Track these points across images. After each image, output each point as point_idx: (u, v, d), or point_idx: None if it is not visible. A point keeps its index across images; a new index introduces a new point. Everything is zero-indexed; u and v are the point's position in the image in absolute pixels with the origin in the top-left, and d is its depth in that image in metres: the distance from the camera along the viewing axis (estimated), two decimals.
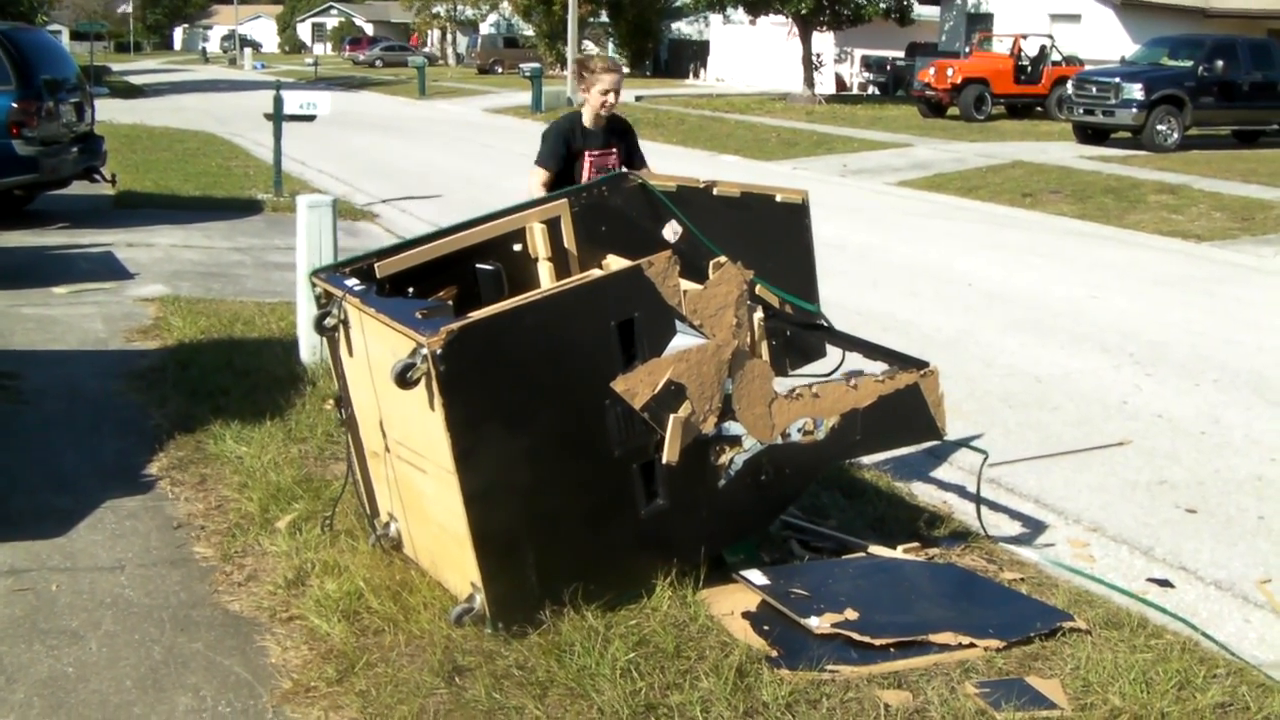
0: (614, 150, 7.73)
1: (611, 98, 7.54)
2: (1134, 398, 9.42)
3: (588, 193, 6.33)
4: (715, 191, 6.56)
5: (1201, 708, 4.72)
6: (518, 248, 6.16)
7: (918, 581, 5.72)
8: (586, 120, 7.65)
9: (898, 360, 6.22)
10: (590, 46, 64.57)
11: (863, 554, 6.03)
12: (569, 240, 6.22)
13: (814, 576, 5.64)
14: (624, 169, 7.49)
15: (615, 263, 5.80)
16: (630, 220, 6.34)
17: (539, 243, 6.13)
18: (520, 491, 4.91)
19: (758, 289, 6.40)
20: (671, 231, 6.40)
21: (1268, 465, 8.00)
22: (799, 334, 6.76)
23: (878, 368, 6.15)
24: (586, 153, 7.61)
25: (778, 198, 6.77)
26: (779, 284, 6.58)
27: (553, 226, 6.18)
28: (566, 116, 7.83)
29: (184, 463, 7.13)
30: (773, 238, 6.73)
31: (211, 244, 14.62)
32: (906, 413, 5.98)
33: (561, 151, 7.59)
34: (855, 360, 6.57)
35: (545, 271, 6.12)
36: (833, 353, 6.78)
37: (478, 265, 6.01)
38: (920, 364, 6.08)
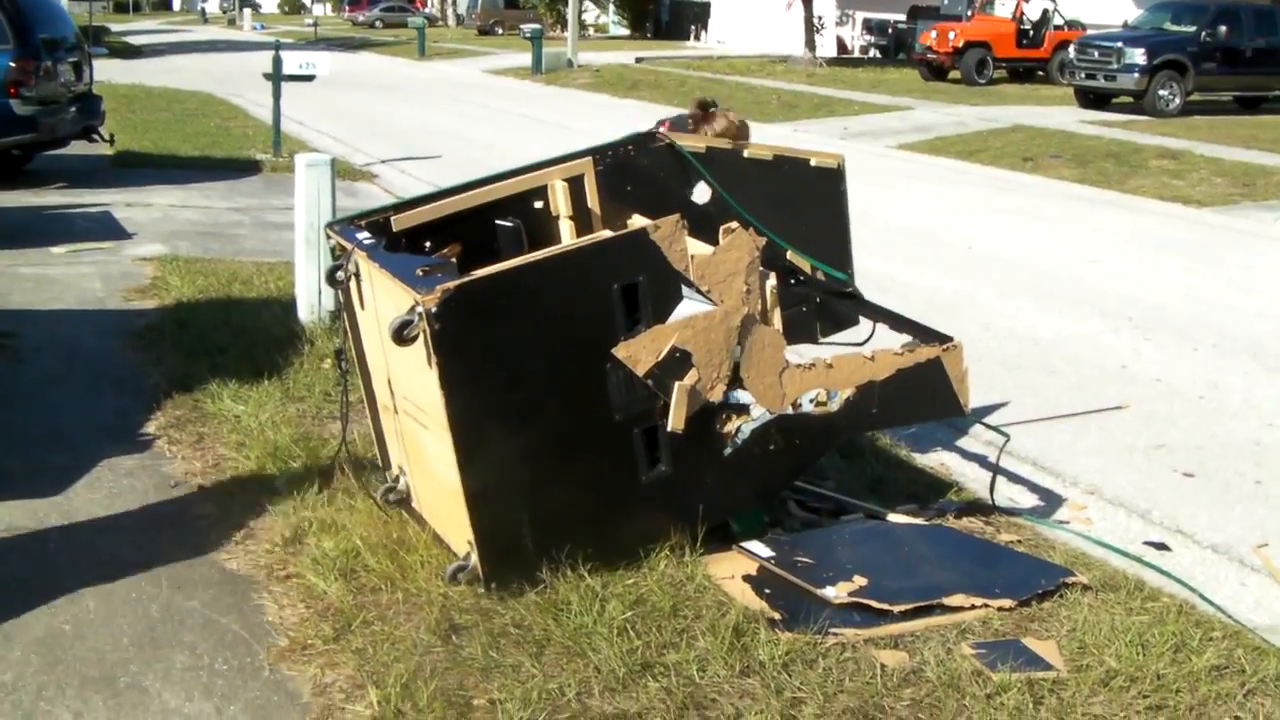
0: None
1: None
2: (1133, 362, 9.41)
3: (613, 151, 6.26)
4: (746, 154, 6.47)
5: (1197, 670, 4.73)
6: (539, 205, 6.12)
7: (917, 545, 5.71)
8: None
9: (923, 333, 6.14)
10: (591, 8, 64.40)
11: (859, 515, 6.03)
12: (592, 199, 6.17)
13: (816, 544, 5.62)
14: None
15: (640, 223, 5.75)
16: (657, 180, 6.28)
17: (560, 200, 6.08)
18: (515, 453, 4.89)
19: (789, 254, 6.36)
20: (701, 193, 6.34)
21: (1265, 430, 8.00)
22: (830, 301, 6.70)
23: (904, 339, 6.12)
24: None
25: (812, 161, 6.67)
26: (811, 249, 6.51)
27: (576, 184, 6.14)
28: None
29: (182, 421, 7.13)
30: (806, 202, 6.64)
31: (210, 204, 14.59)
32: (927, 387, 5.85)
33: None
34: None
35: (566, 229, 6.08)
36: (867, 320, 6.74)
37: (497, 221, 5.97)
38: (944, 338, 5.97)
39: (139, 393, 7.60)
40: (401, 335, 4.65)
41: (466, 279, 4.72)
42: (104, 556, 5.52)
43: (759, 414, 5.41)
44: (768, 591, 5.15)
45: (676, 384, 5.10)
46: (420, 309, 4.60)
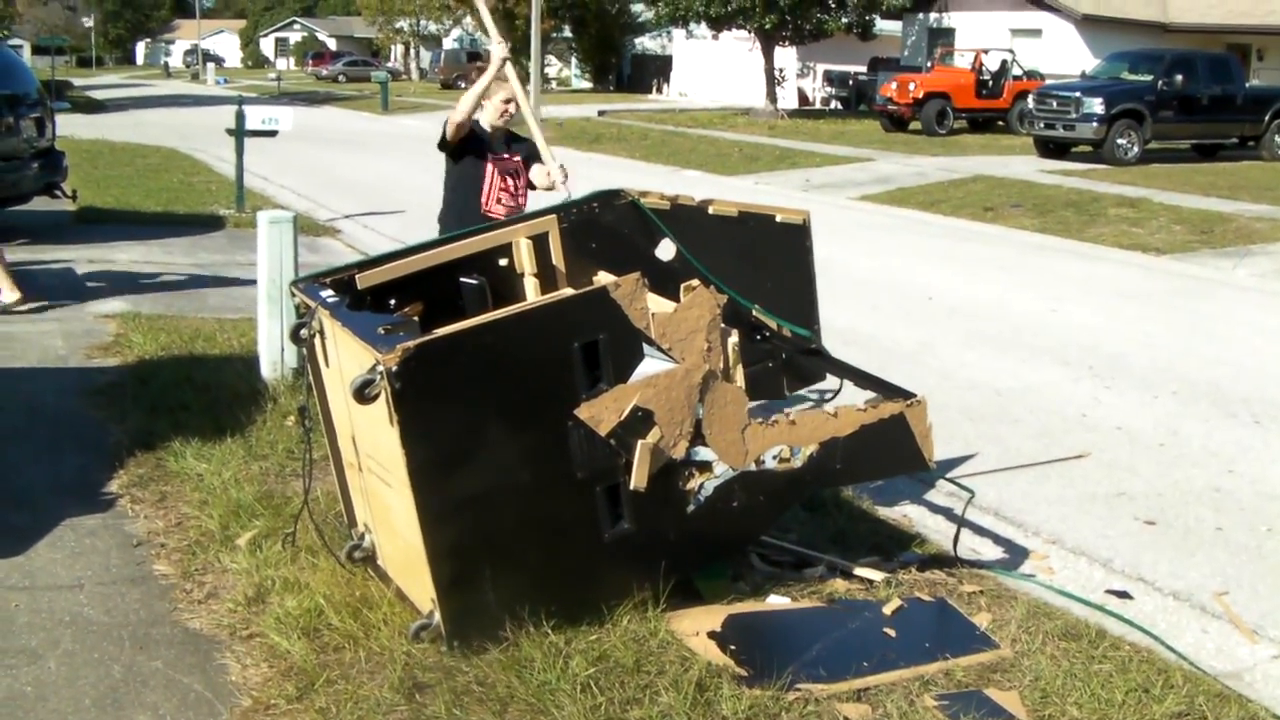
0: (516, 154, 7.84)
1: (512, 108, 7.74)
2: (1093, 410, 9.47)
3: (578, 209, 6.30)
4: (711, 210, 6.51)
5: (1159, 717, 4.76)
6: (504, 262, 6.14)
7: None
8: (485, 124, 7.79)
9: (887, 390, 6.15)
10: (553, 61, 64.71)
11: (822, 567, 6.03)
12: (557, 256, 6.19)
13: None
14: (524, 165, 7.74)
15: (604, 280, 5.77)
16: (623, 237, 6.31)
17: (525, 258, 6.11)
18: (477, 511, 4.89)
19: (754, 312, 6.39)
20: (666, 250, 6.37)
21: (1225, 476, 8.06)
22: (796, 357, 6.72)
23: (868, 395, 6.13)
24: (490, 155, 7.73)
25: (778, 218, 6.71)
26: (777, 306, 6.53)
27: (540, 242, 6.16)
28: None
29: (144, 480, 7.10)
30: (771, 259, 6.68)
31: (172, 260, 14.55)
32: (891, 443, 5.85)
33: (475, 128, 7.72)
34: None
35: (531, 287, 6.10)
36: (834, 376, 6.77)
37: (461, 279, 5.99)
38: (908, 394, 5.99)
39: (101, 451, 7.57)
40: (363, 394, 4.66)
41: (427, 338, 4.73)
42: (66, 617, 5.49)
43: (722, 470, 5.43)
44: (732, 647, 5.16)
45: (639, 443, 5.10)
46: (381, 368, 4.61)
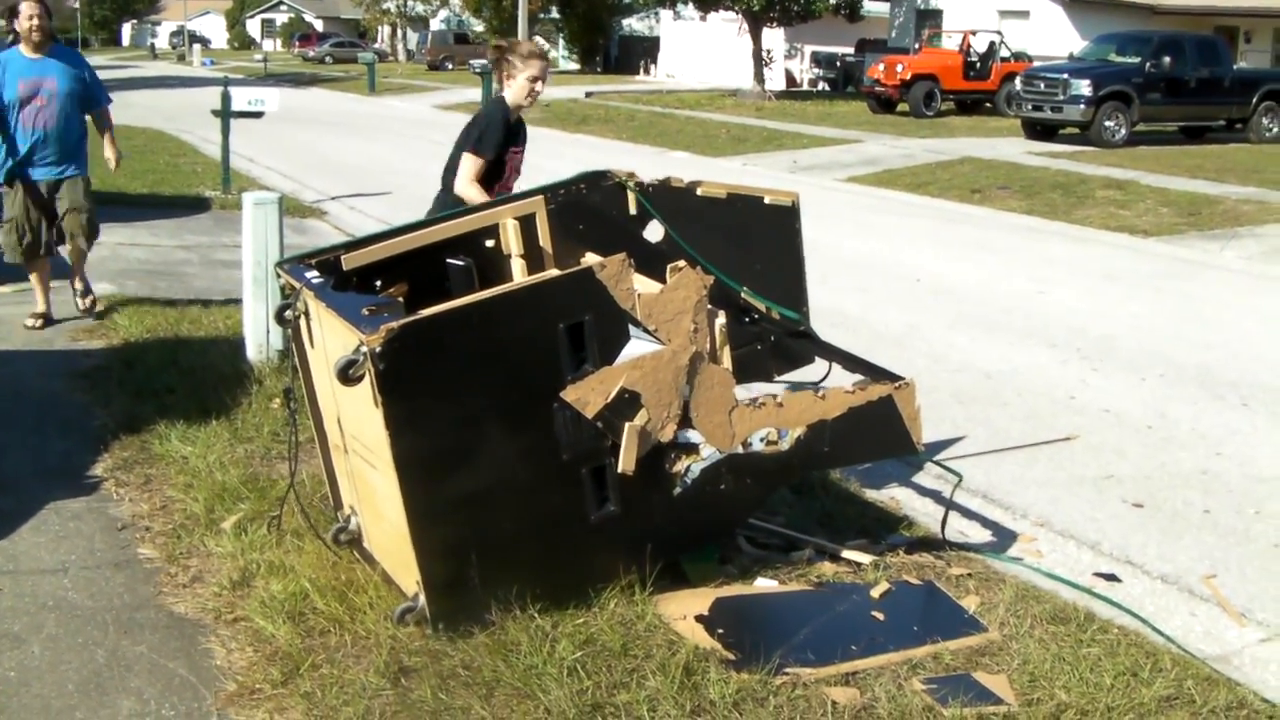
0: (522, 148, 7.51)
1: (540, 86, 7.29)
2: (1081, 393, 9.46)
3: (565, 190, 6.27)
4: (700, 192, 6.48)
5: (1147, 701, 4.75)
6: (490, 244, 6.11)
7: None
8: (510, 102, 7.37)
9: (875, 373, 6.11)
10: (541, 42, 64.60)
11: (809, 550, 6.01)
12: (544, 237, 6.16)
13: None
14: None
15: (592, 260, 5.74)
16: (610, 219, 6.28)
17: (511, 239, 6.07)
18: (462, 494, 4.86)
19: (742, 294, 6.36)
20: (654, 231, 6.34)
21: (1214, 459, 8.05)
22: (784, 340, 6.69)
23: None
24: (511, 150, 7.37)
25: (766, 200, 6.69)
26: (766, 288, 6.50)
27: (527, 223, 6.12)
28: (498, 105, 7.43)
29: (129, 463, 7.06)
30: (760, 241, 6.66)
31: (158, 242, 14.50)
32: (879, 426, 5.81)
33: (501, 140, 7.23)
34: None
35: (518, 268, 6.07)
36: (822, 359, 6.73)
37: (448, 260, 5.96)
38: (896, 377, 5.95)
39: (86, 434, 7.53)
40: (347, 375, 4.62)
41: (411, 318, 4.70)
42: (50, 601, 5.45)
43: (709, 453, 5.40)
44: (720, 630, 5.14)
45: (627, 425, 5.07)
46: (365, 349, 4.58)
